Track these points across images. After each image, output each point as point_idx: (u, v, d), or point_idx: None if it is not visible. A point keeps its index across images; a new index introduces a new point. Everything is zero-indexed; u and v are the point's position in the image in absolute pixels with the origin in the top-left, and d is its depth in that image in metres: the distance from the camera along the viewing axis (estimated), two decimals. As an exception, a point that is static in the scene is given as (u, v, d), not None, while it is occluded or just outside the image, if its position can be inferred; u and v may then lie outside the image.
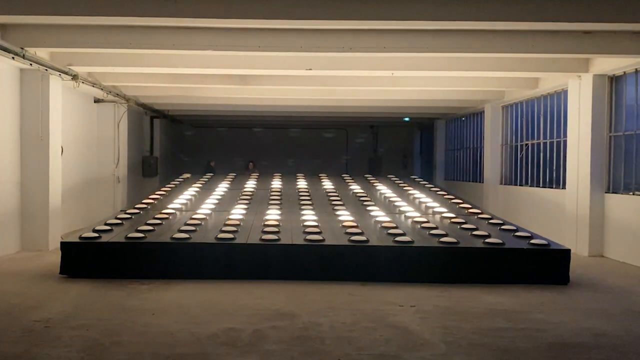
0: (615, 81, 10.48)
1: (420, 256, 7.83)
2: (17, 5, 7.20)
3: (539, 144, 13.32)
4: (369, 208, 10.18)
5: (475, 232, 8.53)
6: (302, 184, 12.75)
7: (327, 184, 12.73)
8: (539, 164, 13.26)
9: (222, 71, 10.90)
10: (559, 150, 12.26)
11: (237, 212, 9.55)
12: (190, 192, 11.59)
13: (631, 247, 9.72)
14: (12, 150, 9.79)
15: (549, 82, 12.20)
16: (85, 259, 7.79)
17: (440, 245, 7.92)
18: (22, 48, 8.70)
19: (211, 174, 14.56)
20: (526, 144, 14.01)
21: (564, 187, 11.60)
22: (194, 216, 9.18)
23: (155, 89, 13.60)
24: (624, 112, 10.30)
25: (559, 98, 12.30)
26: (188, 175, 14.06)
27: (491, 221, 9.47)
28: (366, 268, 7.79)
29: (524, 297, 7.06)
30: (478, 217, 9.82)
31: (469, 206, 10.77)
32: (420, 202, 11.04)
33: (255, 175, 14.45)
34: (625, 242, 9.88)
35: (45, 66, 9.55)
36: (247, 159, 19.55)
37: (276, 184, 12.76)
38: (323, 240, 7.94)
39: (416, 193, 11.95)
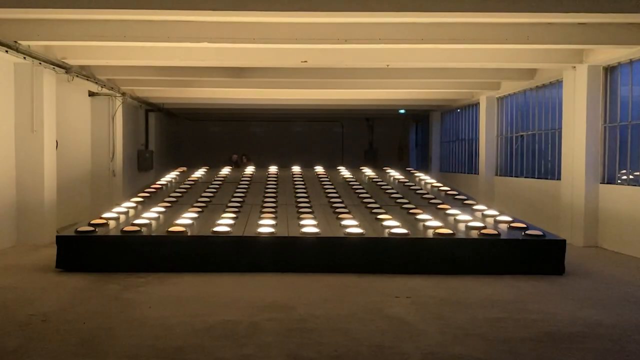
0: (609, 72, 10.50)
1: (416, 248, 7.86)
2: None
3: (534, 135, 13.35)
4: (365, 200, 10.20)
5: (470, 224, 8.56)
6: (298, 180, 12.75)
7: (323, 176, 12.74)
8: (534, 155, 13.30)
9: (217, 64, 10.87)
10: (554, 142, 12.29)
11: (234, 204, 9.56)
12: (187, 185, 11.56)
13: (625, 238, 9.76)
14: (6, 144, 9.75)
15: (544, 73, 12.22)
16: (81, 253, 7.78)
17: (437, 236, 7.94)
18: (15, 41, 8.66)
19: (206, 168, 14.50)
20: (521, 135, 14.03)
21: (559, 178, 11.64)
22: (190, 209, 9.18)
23: (150, 82, 13.57)
24: (618, 103, 10.32)
25: (554, 89, 12.33)
26: (184, 168, 14.03)
27: (487, 212, 9.50)
28: (362, 260, 7.81)
29: (520, 287, 7.09)
30: (473, 209, 9.84)
31: (465, 197, 10.79)
32: (416, 194, 11.04)
33: (250, 167, 14.43)
34: (620, 232, 9.92)
35: (39, 59, 9.50)
36: (241, 152, 19.51)
37: (272, 176, 12.76)
38: (319, 232, 7.96)
39: (411, 185, 11.96)
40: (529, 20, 8.43)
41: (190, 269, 7.69)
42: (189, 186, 11.48)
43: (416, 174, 13.67)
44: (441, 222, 8.62)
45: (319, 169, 13.51)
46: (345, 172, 13.30)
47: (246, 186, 11.46)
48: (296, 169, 13.60)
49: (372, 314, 5.87)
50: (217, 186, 11.44)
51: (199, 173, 13.21)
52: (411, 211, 9.37)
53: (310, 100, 17.03)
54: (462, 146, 18.42)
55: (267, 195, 10.54)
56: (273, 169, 13.56)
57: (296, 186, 11.47)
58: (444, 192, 11.37)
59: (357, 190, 11.09)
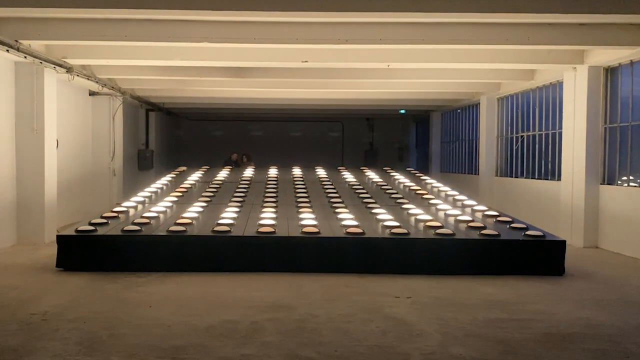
0: (610, 73, 10.50)
1: (416, 248, 7.86)
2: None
3: (534, 136, 13.35)
4: (365, 200, 10.20)
5: (471, 224, 8.56)
6: (297, 173, 12.74)
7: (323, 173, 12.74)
8: (534, 156, 13.30)
9: (217, 63, 10.87)
10: (554, 142, 12.28)
11: (234, 204, 9.58)
12: (187, 185, 11.57)
13: (625, 238, 9.76)
14: (7, 143, 9.75)
15: (544, 74, 12.22)
16: (81, 252, 7.79)
17: (437, 237, 7.95)
18: (16, 41, 8.66)
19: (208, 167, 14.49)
20: (521, 136, 14.03)
21: (559, 179, 11.64)
22: (190, 209, 9.18)
23: (151, 81, 13.57)
24: (619, 104, 10.31)
25: (555, 90, 12.32)
26: (184, 168, 14.04)
27: (487, 213, 9.50)
28: (363, 260, 7.81)
29: (520, 288, 7.09)
30: (474, 209, 9.85)
31: (465, 198, 10.80)
32: (416, 195, 11.05)
33: (251, 167, 14.43)
34: (620, 233, 9.93)
35: (40, 59, 9.50)
36: (242, 152, 19.52)
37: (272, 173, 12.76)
38: (319, 232, 7.96)
39: (412, 185, 11.96)
40: (529, 20, 8.43)
41: (190, 268, 7.69)
42: (189, 186, 11.49)
43: (417, 174, 13.68)
44: (442, 222, 8.63)
45: (320, 172, 13.42)
46: (346, 173, 13.27)
47: (246, 187, 11.45)
48: (297, 171, 13.49)
49: (372, 314, 5.88)
50: (216, 186, 11.44)
51: (199, 173, 13.21)
52: (411, 211, 9.37)
53: (311, 100, 17.03)
54: (462, 146, 18.42)
55: (267, 195, 10.55)
56: (273, 171, 13.46)
57: (296, 186, 11.48)
58: (444, 193, 11.38)
59: (358, 191, 11.10)
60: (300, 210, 9.30)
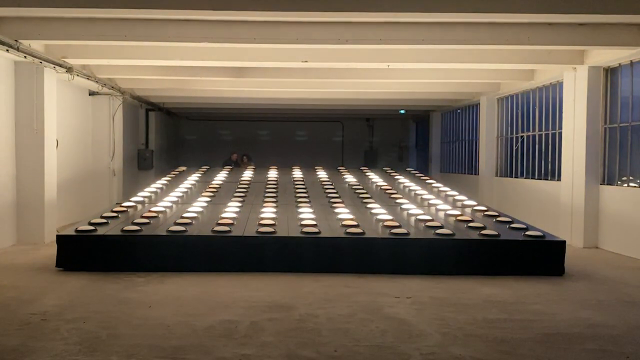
0: (610, 73, 10.50)
1: (416, 248, 7.86)
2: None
3: (534, 136, 13.35)
4: (365, 201, 10.19)
5: (471, 224, 8.56)
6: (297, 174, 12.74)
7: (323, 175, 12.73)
8: (534, 156, 13.30)
9: (217, 63, 10.87)
10: (554, 142, 12.28)
11: (233, 205, 9.57)
12: (186, 185, 11.57)
13: (625, 239, 9.76)
14: (7, 143, 9.75)
15: (544, 74, 12.22)
16: (81, 252, 7.78)
17: (437, 237, 7.95)
18: (16, 40, 8.66)
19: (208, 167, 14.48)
20: (521, 136, 14.04)
21: (559, 179, 11.64)
22: (190, 209, 9.18)
23: (151, 81, 13.56)
24: (619, 104, 10.31)
25: (554, 90, 12.32)
26: (184, 168, 14.04)
27: (487, 213, 9.50)
28: (363, 260, 7.81)
29: (520, 288, 7.09)
30: (474, 209, 9.85)
31: (465, 198, 10.79)
32: (416, 195, 11.05)
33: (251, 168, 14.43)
34: (620, 233, 9.93)
35: (40, 59, 9.50)
36: (241, 152, 19.47)
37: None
38: (319, 232, 7.96)
39: (412, 185, 11.96)
40: (529, 20, 8.43)
41: (190, 268, 7.69)
42: (189, 186, 11.48)
43: (417, 174, 13.68)
44: (441, 222, 8.63)
45: (321, 172, 13.39)
46: (346, 173, 13.24)
47: (246, 187, 11.44)
48: (297, 171, 13.46)
49: (372, 314, 5.87)
50: (216, 186, 11.43)
51: (199, 173, 13.20)
52: (411, 211, 9.37)
53: (311, 100, 17.03)
54: (462, 147, 18.42)
55: (267, 195, 10.54)
56: (273, 172, 13.43)
57: (296, 186, 11.47)
58: (444, 193, 11.38)
59: (358, 191, 11.09)
60: (300, 210, 9.30)
